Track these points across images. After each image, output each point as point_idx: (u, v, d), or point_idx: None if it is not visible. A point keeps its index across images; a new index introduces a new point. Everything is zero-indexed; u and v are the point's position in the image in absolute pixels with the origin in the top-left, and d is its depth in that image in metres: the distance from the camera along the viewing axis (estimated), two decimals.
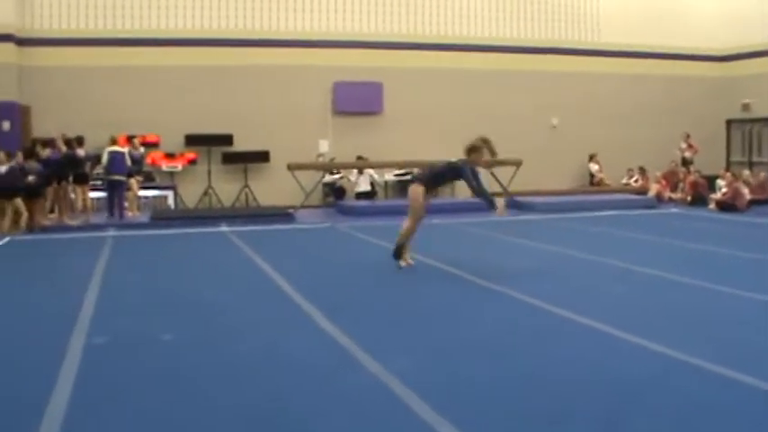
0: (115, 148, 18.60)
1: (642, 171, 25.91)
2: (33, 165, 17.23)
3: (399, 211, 19.84)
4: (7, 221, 16.95)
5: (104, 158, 18.42)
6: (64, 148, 17.89)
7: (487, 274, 10.46)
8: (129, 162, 18.70)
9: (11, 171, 16.91)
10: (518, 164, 21.50)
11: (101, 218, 18.61)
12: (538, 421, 5.08)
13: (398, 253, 11.62)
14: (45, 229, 16.97)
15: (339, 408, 5.43)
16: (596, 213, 19.32)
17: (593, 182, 26.11)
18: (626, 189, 25.39)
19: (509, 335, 7.42)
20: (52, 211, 17.98)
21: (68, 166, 17.60)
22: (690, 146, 25.41)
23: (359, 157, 23.10)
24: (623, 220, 18.18)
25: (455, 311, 8.59)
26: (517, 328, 7.67)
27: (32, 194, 17.15)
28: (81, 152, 17.71)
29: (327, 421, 5.18)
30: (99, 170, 19.16)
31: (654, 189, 23.91)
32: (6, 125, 21.15)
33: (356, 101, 24.31)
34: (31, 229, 17.09)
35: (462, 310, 8.69)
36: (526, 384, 5.86)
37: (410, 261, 11.68)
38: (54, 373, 6.30)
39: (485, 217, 18.68)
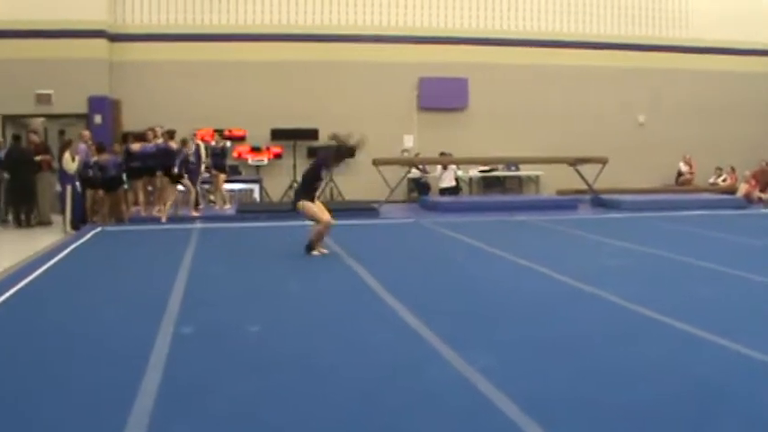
0: (198, 142, 18.95)
1: (732, 170, 25.47)
2: (107, 158, 17.52)
3: (484, 208, 19.96)
4: (101, 212, 17.39)
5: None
6: (159, 141, 18.19)
7: (574, 273, 10.40)
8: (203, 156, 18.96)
9: (96, 164, 17.30)
10: (604, 161, 21.31)
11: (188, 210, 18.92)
12: (624, 422, 5.06)
13: (311, 247, 12.68)
14: (134, 221, 17.29)
15: (424, 404, 5.47)
16: (683, 213, 19.03)
17: (680, 181, 25.74)
18: (713, 188, 24.99)
19: (596, 334, 7.38)
20: (136, 202, 18.28)
21: (161, 159, 17.90)
22: None
23: (442, 153, 23.09)
24: (711, 220, 17.86)
25: (541, 309, 8.56)
26: (604, 328, 7.63)
27: (113, 187, 17.51)
28: (173, 145, 18.00)
29: (413, 418, 5.21)
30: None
31: (742, 189, 23.44)
32: (98, 118, 21.62)
33: (441, 96, 24.32)
34: (120, 220, 17.46)
35: (548, 307, 8.66)
36: (612, 385, 5.83)
37: (323, 250, 12.75)
38: (143, 361, 6.46)
39: (569, 215, 18.62)
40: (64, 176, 17.69)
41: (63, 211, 17.88)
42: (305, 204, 12.66)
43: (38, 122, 21.77)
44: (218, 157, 19.64)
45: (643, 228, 16.42)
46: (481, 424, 5.09)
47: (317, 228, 12.73)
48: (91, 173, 17.26)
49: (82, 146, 17.88)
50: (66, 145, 18.23)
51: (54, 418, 5.26)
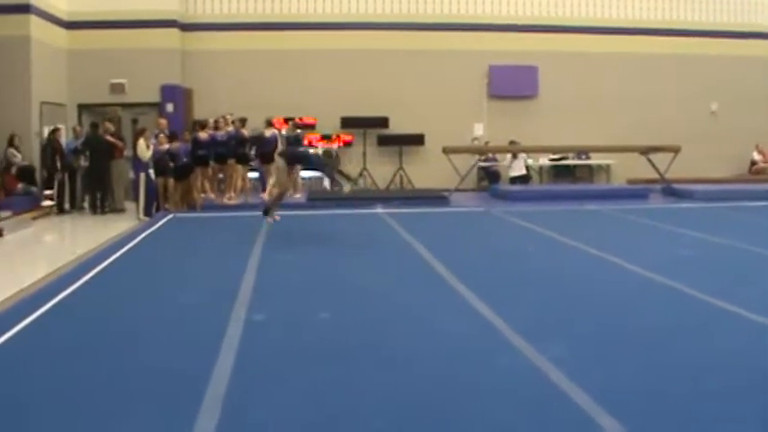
0: (273, 130, 19.02)
1: None
2: (177, 146, 17.71)
3: (554, 197, 19.85)
4: (173, 199, 17.62)
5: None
6: (230, 129, 18.35)
7: (645, 263, 10.28)
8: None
9: (167, 152, 17.50)
10: (676, 150, 21.01)
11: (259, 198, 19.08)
12: (695, 415, 5.01)
13: (267, 212, 13.86)
14: (205, 208, 17.47)
15: (496, 393, 5.47)
16: (756, 203, 18.65)
17: (753, 170, 25.32)
18: None
19: (668, 325, 7.28)
20: (204, 190, 18.44)
21: (233, 147, 18.07)
22: None
23: (512, 142, 22.98)
24: None
25: (613, 299, 8.51)
26: (676, 319, 7.54)
27: (184, 175, 17.73)
28: (245, 132, 18.16)
29: (484, 405, 5.22)
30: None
31: None
32: (170, 107, 21.89)
33: (511, 84, 24.21)
34: (191, 207, 17.68)
35: (620, 298, 8.60)
36: (684, 377, 5.75)
37: (276, 217, 14.00)
38: (216, 347, 6.53)
39: (640, 204, 18.43)
40: (138, 164, 17.93)
41: (136, 199, 18.15)
42: (279, 164, 13.88)
43: (116, 111, 22.08)
44: (291, 145, 19.71)
45: (715, 218, 16.20)
46: (552, 413, 5.08)
47: (274, 191, 14.19)
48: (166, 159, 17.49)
49: (153, 134, 18.13)
50: (140, 133, 18.49)
51: (129, 400, 5.36)
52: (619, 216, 16.32)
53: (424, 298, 8.66)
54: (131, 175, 19.42)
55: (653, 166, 21.17)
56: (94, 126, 19.87)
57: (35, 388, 5.66)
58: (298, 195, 19.33)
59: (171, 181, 17.57)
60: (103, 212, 18.92)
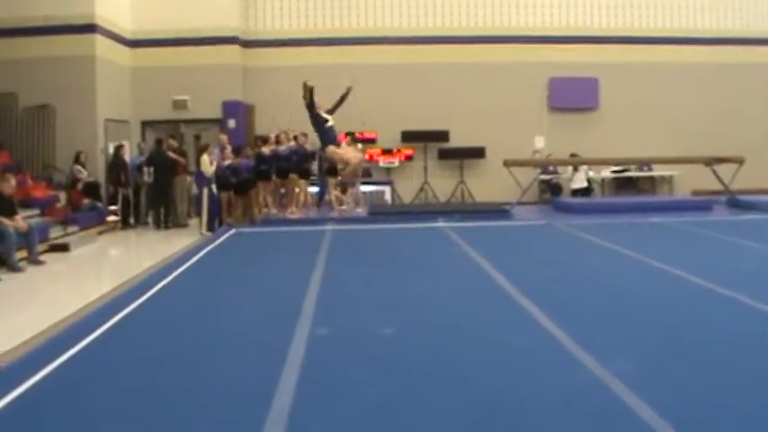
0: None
1: None
2: (239, 161, 17.88)
3: (616, 209, 19.69)
4: (235, 214, 17.80)
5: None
6: (292, 143, 18.47)
7: (710, 276, 10.13)
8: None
9: (230, 167, 17.69)
10: (740, 161, 20.72)
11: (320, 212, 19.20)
12: (763, 430, 4.94)
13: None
14: (267, 223, 17.59)
15: (559, 407, 5.44)
16: None
17: None
18: None
19: (734, 340, 7.17)
20: (266, 205, 18.54)
21: (295, 161, 18.19)
22: None
23: (573, 154, 22.84)
24: None
25: (678, 312, 8.40)
26: (743, 333, 7.41)
27: (245, 190, 17.89)
28: (306, 147, 18.28)
29: (547, 420, 5.20)
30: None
31: None
32: (232, 123, 22.12)
33: (572, 96, 24.10)
34: (252, 221, 17.82)
35: (685, 311, 8.49)
36: (752, 394, 5.65)
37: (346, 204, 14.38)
38: (280, 361, 6.57)
39: (704, 216, 18.21)
40: (201, 179, 18.11)
41: (199, 214, 18.34)
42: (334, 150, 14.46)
43: (181, 129, 22.40)
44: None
45: None
46: (617, 428, 5.04)
47: (346, 170, 14.63)
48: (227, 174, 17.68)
49: (216, 150, 18.28)
50: (203, 148, 18.69)
51: (195, 414, 5.43)
52: (682, 228, 16.14)
53: (487, 312, 8.64)
54: (194, 189, 19.64)
55: (717, 177, 20.90)
56: (158, 142, 20.15)
57: (103, 402, 5.74)
58: (359, 209, 19.35)
59: (233, 195, 17.76)
60: (167, 227, 19.14)
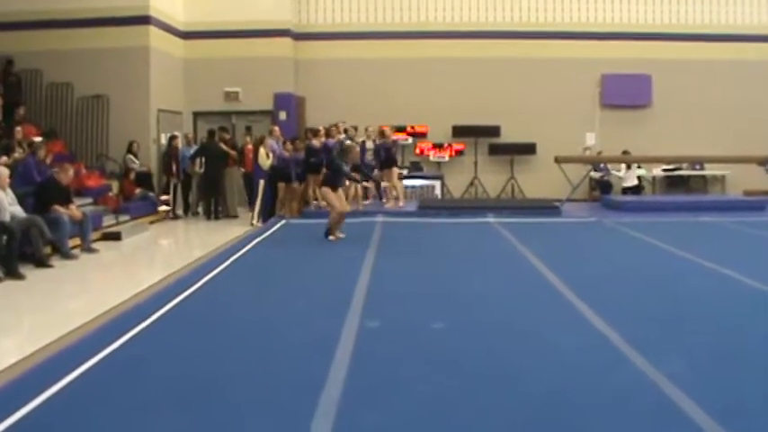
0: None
1: None
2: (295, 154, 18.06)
3: (667, 208, 19.53)
4: (288, 206, 17.93)
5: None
6: (342, 136, 18.52)
7: (764, 277, 10.04)
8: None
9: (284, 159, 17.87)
10: None
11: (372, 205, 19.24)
12: None
13: (328, 233, 14.31)
14: (317, 214, 17.64)
15: (610, 407, 5.42)
16: None
17: None
18: None
19: None
20: (315, 197, 18.59)
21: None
22: None
23: (624, 152, 22.65)
24: None
25: (731, 314, 8.31)
26: None
27: (290, 180, 18.11)
28: (358, 140, 18.31)
29: (599, 420, 5.17)
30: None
31: None
32: (283, 115, 22.19)
33: (624, 93, 23.87)
34: (300, 213, 17.95)
35: (738, 313, 8.38)
36: None
37: (339, 235, 14.40)
38: (331, 352, 6.62)
39: (757, 216, 18.01)
40: (258, 171, 18.20)
41: (252, 205, 18.43)
42: (325, 191, 14.34)
43: (233, 120, 22.56)
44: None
45: None
46: (668, 428, 5.01)
47: (332, 215, 14.33)
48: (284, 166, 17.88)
49: (272, 142, 18.33)
50: (260, 141, 18.77)
51: (247, 403, 5.46)
52: (734, 228, 15.98)
53: (537, 309, 8.62)
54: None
55: None
56: (211, 134, 20.25)
57: (154, 390, 5.80)
58: (401, 203, 19.24)
59: (286, 187, 17.92)
60: (217, 218, 19.26)
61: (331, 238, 14.18)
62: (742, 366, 6.35)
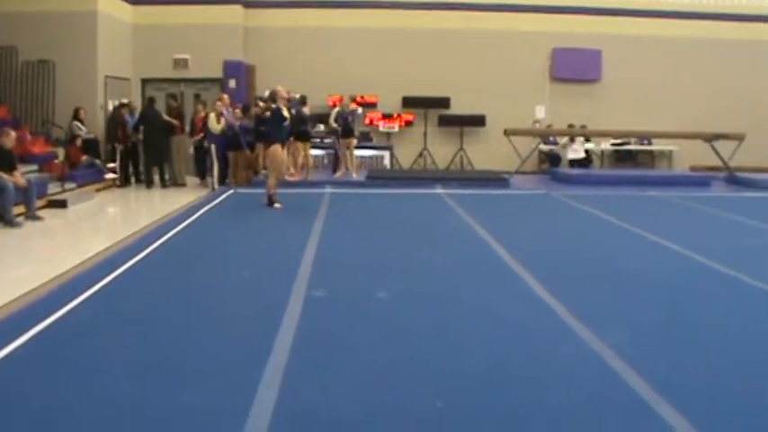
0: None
1: None
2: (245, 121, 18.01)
3: (615, 182, 19.69)
4: (238, 174, 17.88)
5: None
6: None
7: (708, 252, 10.16)
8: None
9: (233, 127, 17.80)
10: (740, 138, 20.69)
11: (320, 175, 19.19)
12: (759, 408, 4.94)
13: (271, 201, 14.25)
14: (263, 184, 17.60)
15: (555, 377, 5.48)
16: None
17: None
18: None
19: (731, 317, 7.21)
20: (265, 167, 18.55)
21: (293, 124, 18.12)
22: None
23: (570, 125, 22.77)
24: None
25: (675, 288, 8.42)
26: (740, 311, 7.45)
27: (238, 149, 18.08)
28: (305, 111, 18.21)
29: (543, 390, 5.23)
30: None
31: None
32: (232, 83, 22.02)
33: (574, 68, 23.96)
34: (248, 181, 17.89)
35: (682, 287, 8.51)
36: (748, 371, 5.68)
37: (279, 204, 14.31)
38: (277, 321, 6.64)
39: (702, 192, 18.23)
40: (209, 136, 18.07)
41: (202, 173, 18.32)
42: (276, 149, 14.35)
43: (181, 88, 22.34)
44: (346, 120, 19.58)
45: None
46: (612, 400, 5.07)
47: (270, 180, 14.36)
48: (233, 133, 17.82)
49: (225, 109, 18.22)
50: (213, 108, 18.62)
51: (193, 371, 5.46)
52: (680, 203, 16.16)
53: (483, 279, 8.67)
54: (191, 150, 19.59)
55: (717, 153, 20.89)
56: (150, 101, 19.97)
57: (99, 357, 5.77)
58: (354, 175, 19.27)
59: (236, 155, 17.86)
60: (164, 186, 19.07)
61: (277, 206, 14.18)
62: (684, 339, 6.44)
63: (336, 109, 19.87)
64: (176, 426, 4.59)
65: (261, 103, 18.26)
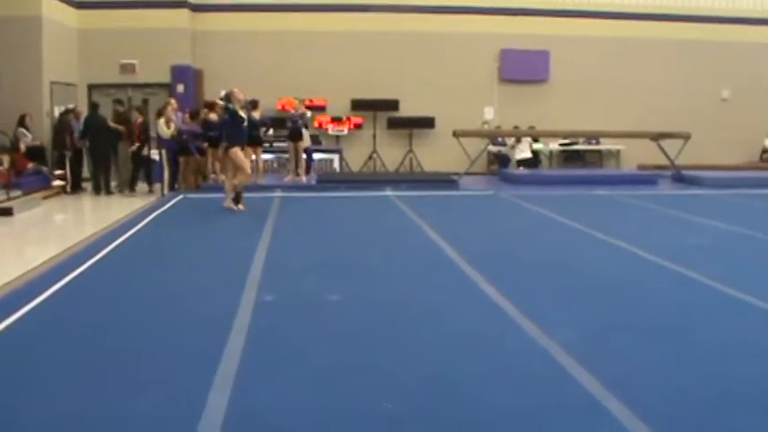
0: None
1: None
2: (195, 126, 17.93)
3: (563, 181, 19.84)
4: (187, 179, 17.78)
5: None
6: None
7: (655, 249, 10.28)
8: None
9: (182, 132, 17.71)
10: (686, 137, 20.91)
11: (271, 179, 19.14)
12: (706, 404, 4.99)
13: (237, 199, 14.30)
14: (216, 188, 17.50)
15: (504, 375, 5.51)
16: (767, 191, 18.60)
17: (764, 158, 25.18)
18: None
19: (678, 313, 7.30)
20: (214, 171, 18.50)
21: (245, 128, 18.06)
22: None
23: (515, 127, 22.92)
24: None
25: (623, 285, 8.51)
26: (687, 306, 7.56)
27: (190, 153, 17.93)
28: (256, 115, 18.14)
29: (492, 388, 5.24)
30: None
31: None
32: (180, 87, 21.91)
33: (523, 69, 24.14)
34: (197, 186, 17.80)
35: (630, 284, 8.60)
36: (696, 366, 5.74)
37: (239, 208, 14.25)
38: (227, 326, 6.58)
39: (650, 190, 18.42)
40: (160, 141, 17.97)
41: (147, 177, 18.19)
42: (236, 152, 14.17)
43: (129, 93, 22.15)
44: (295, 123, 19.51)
45: (726, 205, 16.15)
46: (560, 396, 5.10)
47: (240, 179, 14.31)
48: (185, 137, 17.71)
49: (176, 114, 18.13)
50: (159, 112, 18.50)
51: (143, 377, 5.42)
52: (628, 201, 16.31)
53: (433, 281, 8.70)
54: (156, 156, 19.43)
55: (663, 152, 21.12)
56: (94, 107, 19.77)
57: (48, 365, 5.71)
58: (303, 178, 19.24)
59: (186, 160, 17.77)
60: (109, 193, 18.88)
61: (240, 207, 14.14)
62: (632, 335, 6.50)
63: (308, 112, 19.90)
64: None
65: (220, 103, 18.23)
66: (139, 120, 19.05)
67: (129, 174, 19.34)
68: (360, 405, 4.94)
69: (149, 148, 18.04)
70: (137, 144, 18.86)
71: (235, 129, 14.28)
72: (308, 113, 20.29)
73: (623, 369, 5.61)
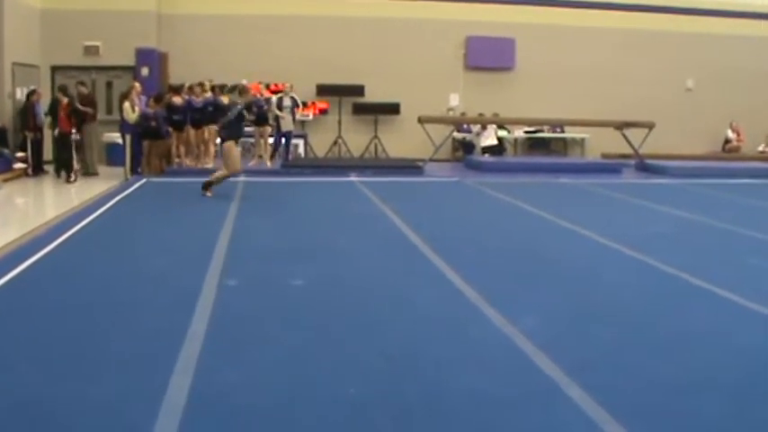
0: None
1: None
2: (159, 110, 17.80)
3: (528, 169, 19.92)
4: (151, 163, 17.67)
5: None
6: (208, 95, 18.32)
7: (618, 237, 10.37)
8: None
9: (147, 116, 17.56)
10: (650, 126, 21.07)
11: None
12: (667, 390, 5.04)
13: (207, 187, 14.18)
14: (180, 173, 17.44)
15: (467, 361, 5.53)
16: (729, 181, 18.80)
17: (727, 148, 25.42)
18: (762, 157, 24.68)
19: (639, 300, 7.36)
20: (179, 155, 18.43)
21: (210, 113, 17.98)
22: None
23: (480, 114, 22.97)
24: (758, 189, 17.61)
25: (585, 272, 8.59)
26: (648, 294, 7.62)
27: (156, 137, 17.81)
28: (224, 99, 18.05)
29: (455, 373, 5.27)
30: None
31: None
32: (145, 71, 21.74)
33: (488, 56, 24.18)
34: (161, 171, 17.69)
35: (592, 271, 8.67)
36: (657, 353, 5.80)
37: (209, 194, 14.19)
38: (190, 310, 6.59)
39: (614, 179, 18.53)
40: (125, 126, 17.82)
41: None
42: (231, 146, 14.13)
43: (93, 76, 21.93)
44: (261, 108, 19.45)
45: (688, 194, 16.29)
46: (522, 383, 5.14)
47: (223, 172, 14.31)
48: (152, 123, 17.53)
49: (139, 97, 17.98)
50: (125, 95, 18.33)
51: (106, 359, 5.40)
52: (591, 190, 16.41)
53: (397, 266, 8.72)
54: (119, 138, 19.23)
55: (627, 141, 21.26)
56: (61, 89, 19.56)
57: (12, 348, 5.68)
58: (269, 163, 19.22)
59: (150, 143, 17.65)
60: (75, 177, 18.68)
61: (208, 194, 14.07)
62: (593, 321, 6.55)
63: (273, 97, 19.87)
64: (88, 416, 4.52)
65: (196, 89, 18.18)
66: (64, 102, 18.50)
67: (94, 156, 19.15)
68: (323, 388, 4.95)
69: (123, 132, 17.82)
70: (69, 128, 18.39)
71: (236, 123, 14.19)
72: (273, 98, 20.24)
73: (584, 355, 5.66)
